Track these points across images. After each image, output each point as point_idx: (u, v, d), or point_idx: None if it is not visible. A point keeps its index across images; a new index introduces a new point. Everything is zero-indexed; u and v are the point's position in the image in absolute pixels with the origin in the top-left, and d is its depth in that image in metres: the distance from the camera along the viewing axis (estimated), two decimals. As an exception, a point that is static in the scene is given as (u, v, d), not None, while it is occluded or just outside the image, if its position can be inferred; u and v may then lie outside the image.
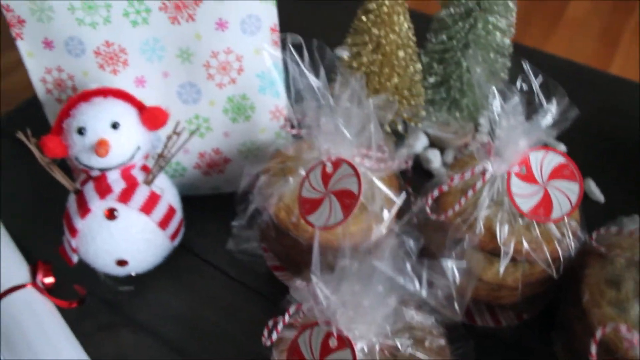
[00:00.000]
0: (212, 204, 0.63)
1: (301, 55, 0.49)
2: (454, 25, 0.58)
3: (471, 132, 0.65)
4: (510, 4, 0.57)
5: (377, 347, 0.43)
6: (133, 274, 0.56)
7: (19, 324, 0.52)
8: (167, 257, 0.57)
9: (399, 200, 0.52)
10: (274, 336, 0.45)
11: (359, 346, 0.42)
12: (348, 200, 0.49)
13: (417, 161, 0.65)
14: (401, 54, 0.56)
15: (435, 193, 0.51)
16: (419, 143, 0.65)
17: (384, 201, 0.52)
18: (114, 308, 0.58)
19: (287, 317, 0.45)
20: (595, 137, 0.69)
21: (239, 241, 0.59)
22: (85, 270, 0.57)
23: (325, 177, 0.51)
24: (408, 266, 0.39)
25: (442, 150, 0.65)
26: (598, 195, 0.62)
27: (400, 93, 0.58)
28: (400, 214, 0.53)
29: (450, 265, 0.41)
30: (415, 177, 0.57)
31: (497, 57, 0.60)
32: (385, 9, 0.54)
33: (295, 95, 0.50)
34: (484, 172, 0.49)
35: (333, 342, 0.42)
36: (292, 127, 0.54)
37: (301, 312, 0.46)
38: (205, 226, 0.61)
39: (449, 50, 0.59)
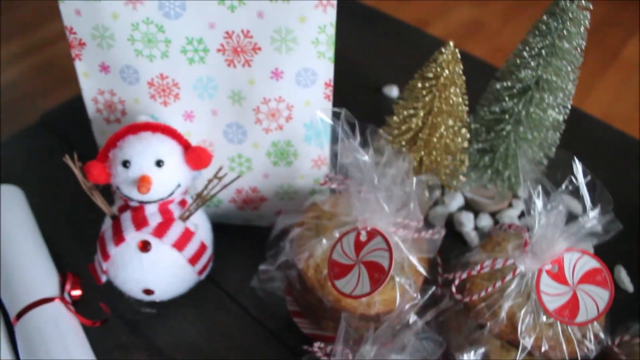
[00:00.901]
0: (242, 235, 0.64)
1: (352, 130, 0.49)
2: (509, 100, 0.57)
3: (508, 200, 0.65)
4: (570, 85, 0.56)
5: None
6: (157, 300, 0.58)
7: (44, 338, 0.54)
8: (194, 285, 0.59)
9: (424, 272, 0.53)
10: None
11: None
12: (377, 274, 0.50)
13: (449, 220, 0.65)
14: (451, 122, 0.56)
15: (464, 275, 0.51)
16: (455, 203, 0.65)
17: (412, 271, 0.53)
18: (134, 329, 0.59)
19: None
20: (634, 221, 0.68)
21: (263, 280, 0.60)
22: (111, 285, 0.59)
23: (358, 245, 0.51)
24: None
25: (476, 213, 0.65)
26: (627, 284, 0.61)
27: (444, 159, 0.58)
28: (426, 282, 0.54)
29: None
30: (445, 238, 0.57)
31: (549, 133, 0.60)
32: (442, 80, 0.54)
33: (339, 164, 0.51)
34: (515, 268, 0.49)
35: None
36: (332, 183, 0.54)
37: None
38: (233, 258, 0.62)
39: (499, 122, 0.59)
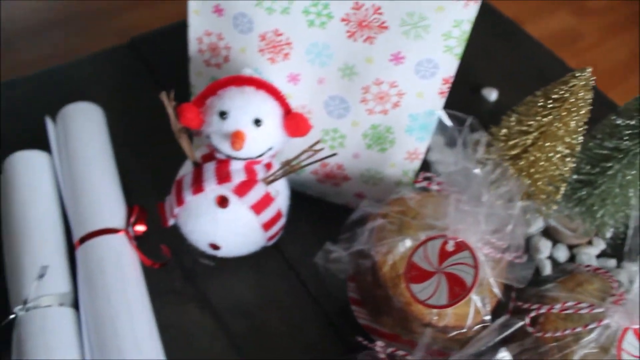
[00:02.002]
0: (314, 208, 0.62)
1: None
2: (627, 140, 0.54)
3: (590, 237, 0.62)
4: None
5: None
6: (219, 255, 0.57)
7: (103, 269, 0.53)
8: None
9: (500, 294, 0.51)
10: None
11: None
12: (458, 288, 0.48)
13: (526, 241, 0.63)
14: (560, 148, 0.53)
15: (542, 310, 0.49)
16: (534, 227, 0.62)
17: (488, 291, 0.51)
18: (190, 278, 0.58)
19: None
20: None
21: (328, 259, 0.58)
22: (174, 228, 0.58)
23: (443, 254, 0.49)
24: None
25: (554, 243, 0.63)
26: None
27: (544, 184, 0.55)
28: (498, 307, 0.52)
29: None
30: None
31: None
32: (567, 104, 0.50)
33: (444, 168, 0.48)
34: (601, 319, 0.46)
35: None
36: (427, 183, 0.52)
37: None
38: (299, 229, 0.61)
39: (608, 159, 0.55)
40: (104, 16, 1.08)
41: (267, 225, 0.54)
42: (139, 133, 0.68)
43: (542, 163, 0.54)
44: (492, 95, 0.74)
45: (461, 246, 0.49)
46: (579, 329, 0.47)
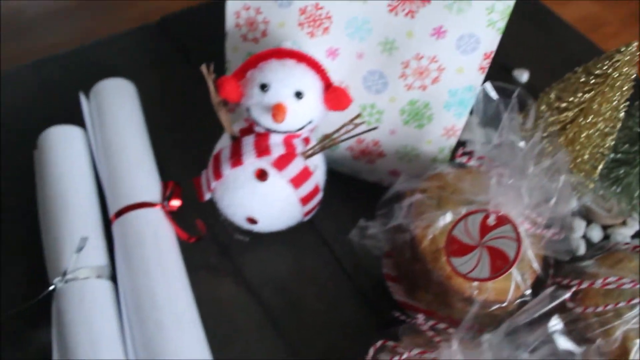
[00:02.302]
0: (347, 186, 0.62)
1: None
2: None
3: (624, 217, 0.62)
4: None
5: None
6: (254, 230, 0.57)
7: (141, 241, 0.53)
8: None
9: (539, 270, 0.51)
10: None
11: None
12: (500, 261, 0.48)
13: (557, 222, 0.62)
14: (601, 125, 0.53)
15: (583, 285, 0.49)
16: (569, 204, 0.62)
17: (528, 267, 0.51)
18: (225, 253, 0.58)
19: (404, 356, 0.44)
20: None
21: (363, 235, 0.58)
22: (209, 204, 0.58)
23: (484, 228, 0.49)
24: None
25: (588, 223, 0.62)
26: None
27: (583, 161, 0.55)
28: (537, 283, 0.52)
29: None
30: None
31: None
32: (611, 80, 0.50)
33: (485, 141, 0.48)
34: (647, 292, 0.46)
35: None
36: (467, 159, 0.51)
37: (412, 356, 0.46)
38: (333, 206, 0.60)
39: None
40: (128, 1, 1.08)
41: (305, 200, 0.54)
42: (170, 110, 0.68)
43: (581, 140, 0.53)
44: (523, 76, 0.74)
45: (503, 220, 0.48)
46: (621, 304, 0.47)
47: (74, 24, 1.00)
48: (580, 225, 0.61)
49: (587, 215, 0.62)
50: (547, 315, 0.45)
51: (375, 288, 0.57)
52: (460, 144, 0.61)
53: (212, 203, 0.57)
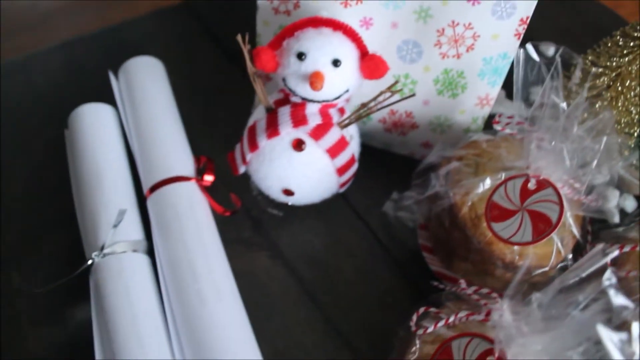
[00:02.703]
0: (379, 160, 0.62)
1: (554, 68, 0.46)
2: None
3: (659, 186, 0.62)
4: None
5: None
6: (290, 203, 0.57)
7: (177, 214, 0.53)
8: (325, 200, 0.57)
9: (579, 236, 0.51)
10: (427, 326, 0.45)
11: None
12: (542, 224, 0.47)
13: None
14: (638, 90, 0.53)
15: (626, 249, 0.49)
16: (600, 176, 0.62)
17: (568, 232, 0.50)
18: (258, 227, 0.58)
19: (451, 319, 0.44)
20: None
21: (397, 207, 0.58)
22: (240, 179, 0.58)
23: (525, 193, 0.49)
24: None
25: (621, 193, 0.62)
26: None
27: (621, 127, 0.55)
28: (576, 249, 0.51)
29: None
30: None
31: None
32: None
33: (527, 99, 0.48)
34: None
35: (492, 362, 0.42)
36: (504, 125, 0.51)
37: (458, 319, 0.45)
38: (365, 181, 0.60)
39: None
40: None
41: (341, 170, 0.54)
42: (199, 89, 0.68)
43: (618, 105, 0.53)
44: (549, 50, 0.73)
45: (543, 184, 0.48)
46: (666, 266, 0.47)
47: (92, 14, 0.99)
48: (614, 195, 0.61)
49: (620, 185, 0.62)
50: (595, 275, 0.45)
51: (411, 260, 0.57)
52: (491, 117, 0.61)
53: (243, 180, 0.57)
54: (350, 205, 0.60)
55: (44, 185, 0.60)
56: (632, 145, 0.57)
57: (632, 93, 0.52)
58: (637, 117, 0.55)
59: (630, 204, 0.62)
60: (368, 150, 0.61)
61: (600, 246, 0.41)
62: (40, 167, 0.61)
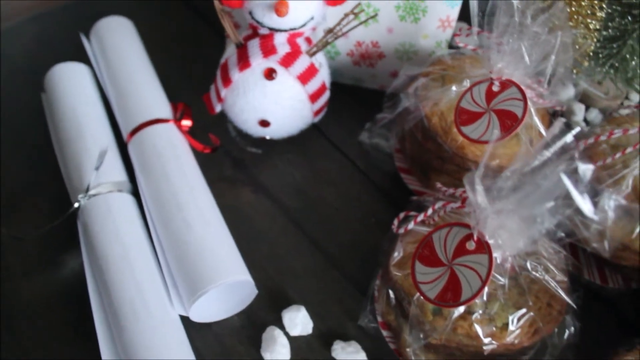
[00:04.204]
0: (351, 96, 0.64)
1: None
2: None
3: (621, 98, 0.64)
4: None
5: (509, 262, 0.44)
6: (268, 137, 0.58)
7: (159, 154, 0.54)
8: (301, 134, 0.59)
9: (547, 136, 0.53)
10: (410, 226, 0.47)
11: (494, 255, 0.43)
12: (509, 121, 0.49)
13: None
14: (585, 2, 0.55)
15: (590, 140, 0.51)
16: (565, 93, 0.64)
17: (534, 132, 0.52)
18: (239, 165, 0.60)
19: (429, 212, 0.46)
20: None
21: (372, 135, 0.59)
22: (217, 124, 0.59)
23: (490, 95, 0.51)
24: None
25: (587, 108, 0.64)
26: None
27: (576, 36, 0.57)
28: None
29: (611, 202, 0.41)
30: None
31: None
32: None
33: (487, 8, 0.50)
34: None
35: (471, 245, 0.44)
36: (465, 35, 0.53)
37: (438, 213, 0.47)
38: (339, 115, 0.62)
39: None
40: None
41: (313, 97, 0.55)
42: (172, 45, 0.69)
43: (574, 15, 0.55)
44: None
45: (507, 84, 0.50)
46: (629, 149, 0.49)
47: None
48: (580, 108, 0.63)
49: (585, 101, 0.65)
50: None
51: (390, 182, 0.59)
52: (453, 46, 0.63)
53: (221, 123, 0.59)
54: (327, 137, 0.62)
55: (26, 148, 0.61)
56: (591, 51, 0.59)
57: (577, 3, 0.54)
58: (594, 25, 0.57)
59: (596, 117, 0.64)
60: (340, 87, 0.63)
61: (558, 123, 0.43)
62: (20, 130, 0.62)
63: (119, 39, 0.63)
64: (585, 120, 0.64)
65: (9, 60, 0.68)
